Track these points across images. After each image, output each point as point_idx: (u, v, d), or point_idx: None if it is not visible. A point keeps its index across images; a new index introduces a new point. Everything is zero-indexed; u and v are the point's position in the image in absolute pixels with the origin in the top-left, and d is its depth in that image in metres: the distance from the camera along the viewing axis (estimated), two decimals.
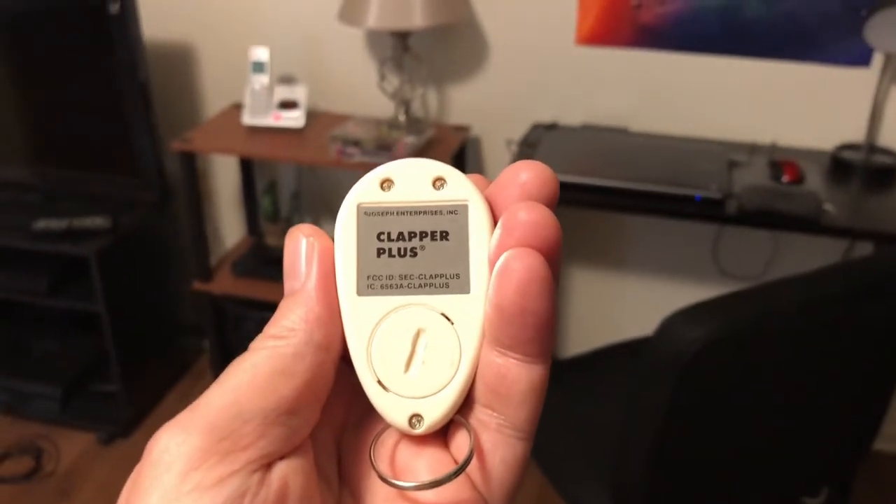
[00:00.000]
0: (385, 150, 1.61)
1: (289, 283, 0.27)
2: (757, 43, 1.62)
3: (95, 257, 1.74)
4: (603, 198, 1.50)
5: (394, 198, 0.27)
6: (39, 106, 1.91)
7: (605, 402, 1.36)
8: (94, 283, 1.77)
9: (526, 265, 0.25)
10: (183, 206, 1.87)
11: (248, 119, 1.76)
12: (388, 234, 0.27)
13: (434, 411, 0.26)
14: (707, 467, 1.16)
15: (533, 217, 0.25)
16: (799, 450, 1.23)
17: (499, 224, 0.26)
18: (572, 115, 1.76)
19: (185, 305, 2.13)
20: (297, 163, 1.92)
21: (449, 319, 0.27)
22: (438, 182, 0.27)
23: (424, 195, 0.27)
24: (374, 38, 1.82)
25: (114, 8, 1.64)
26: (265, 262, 1.90)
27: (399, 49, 1.70)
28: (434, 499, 0.26)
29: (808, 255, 1.68)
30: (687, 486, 1.17)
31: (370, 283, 0.27)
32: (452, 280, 0.27)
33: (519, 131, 1.73)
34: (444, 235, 0.27)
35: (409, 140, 1.64)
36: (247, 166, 1.99)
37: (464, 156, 1.80)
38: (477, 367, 0.26)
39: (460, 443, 0.27)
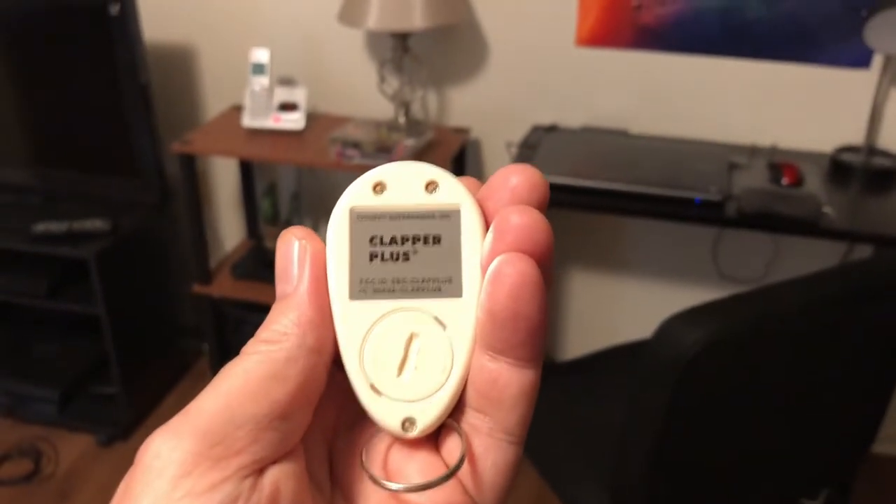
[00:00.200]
0: (385, 152, 1.61)
1: (281, 286, 0.27)
2: (757, 44, 1.62)
3: (95, 260, 1.74)
4: (602, 200, 1.50)
5: (386, 202, 0.27)
6: (40, 107, 1.91)
7: (605, 403, 1.36)
8: (94, 286, 1.77)
9: (518, 270, 0.25)
10: (183, 208, 1.87)
11: (247, 121, 1.76)
12: (381, 238, 0.27)
13: (426, 415, 0.26)
14: (706, 469, 1.16)
15: (525, 221, 0.25)
16: (798, 452, 1.23)
17: (491, 228, 0.26)
18: (572, 117, 1.76)
19: (185, 308, 2.13)
20: (297, 165, 1.92)
21: (441, 323, 0.27)
22: (431, 186, 0.27)
23: (417, 199, 0.27)
24: (374, 40, 1.82)
25: (114, 9, 1.64)
26: (265, 265, 1.90)
27: (399, 50, 1.70)
28: (425, 502, 0.26)
29: (808, 258, 1.68)
30: (686, 487, 1.17)
31: (363, 287, 0.27)
32: (445, 284, 0.27)
33: (519, 133, 1.73)
34: (437, 240, 0.27)
35: (409, 142, 1.64)
36: (246, 168, 1.99)
37: (463, 158, 1.80)
38: (469, 372, 0.26)
39: (451, 447, 0.27)
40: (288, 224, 1.98)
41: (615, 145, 1.67)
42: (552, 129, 1.73)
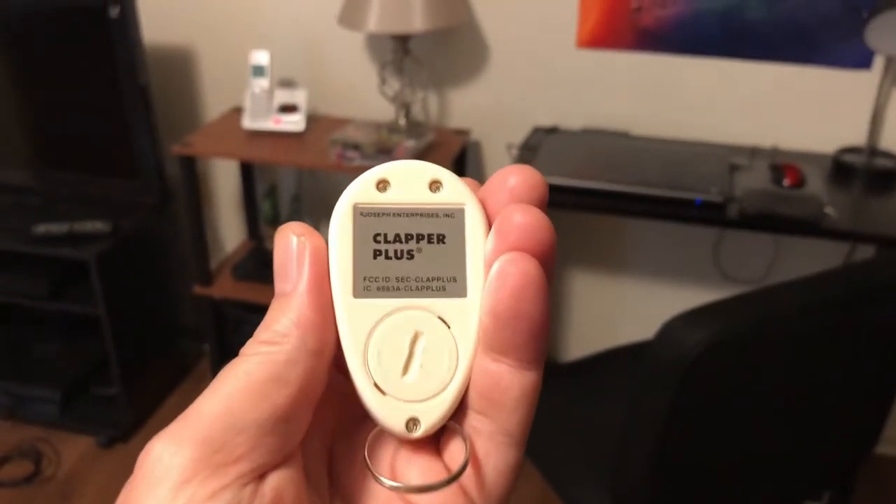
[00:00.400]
0: (385, 154, 1.60)
1: (279, 284, 0.26)
2: (758, 45, 1.62)
3: (95, 261, 1.74)
4: (604, 201, 1.50)
5: (390, 199, 0.27)
6: (40, 109, 1.91)
7: (606, 405, 1.36)
8: (95, 287, 1.77)
9: (521, 269, 0.24)
10: (183, 209, 1.86)
11: (248, 123, 1.76)
12: (385, 235, 0.27)
13: (431, 415, 0.26)
14: (708, 470, 1.15)
15: (527, 220, 0.25)
16: (800, 453, 1.23)
17: (493, 227, 0.26)
18: (573, 119, 1.76)
19: (186, 309, 2.13)
20: (298, 166, 1.92)
21: (446, 323, 0.26)
22: (435, 185, 0.27)
23: (421, 197, 0.27)
24: (375, 42, 1.82)
25: (114, 11, 1.64)
26: (265, 266, 1.89)
27: (399, 52, 1.70)
28: None
29: (810, 259, 1.67)
30: (688, 489, 1.17)
31: (366, 285, 0.26)
32: (449, 283, 0.27)
33: (519, 135, 1.73)
34: (441, 238, 0.27)
35: (410, 144, 1.64)
36: (247, 170, 1.99)
37: (464, 160, 1.80)
38: (472, 373, 0.26)
39: (453, 450, 0.27)
40: None
41: (616, 147, 1.67)
42: (553, 130, 1.73)
